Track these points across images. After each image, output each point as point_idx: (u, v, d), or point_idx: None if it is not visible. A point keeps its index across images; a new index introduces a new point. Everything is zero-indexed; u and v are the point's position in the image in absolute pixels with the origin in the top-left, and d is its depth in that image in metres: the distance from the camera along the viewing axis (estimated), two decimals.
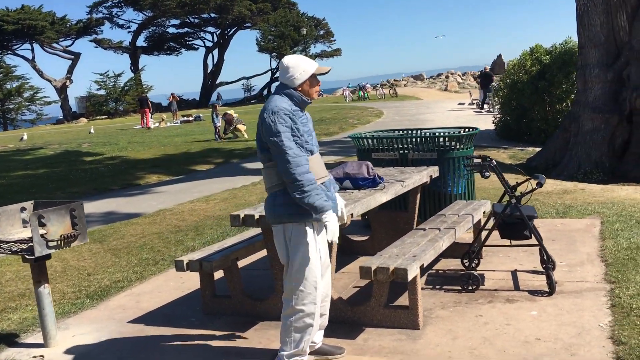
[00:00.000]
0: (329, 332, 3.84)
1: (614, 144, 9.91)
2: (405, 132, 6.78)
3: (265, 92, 59.01)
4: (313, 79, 3.38)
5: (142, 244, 6.86)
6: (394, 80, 59.71)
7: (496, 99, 24.44)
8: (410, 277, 3.80)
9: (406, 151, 6.36)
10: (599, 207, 6.95)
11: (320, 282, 3.40)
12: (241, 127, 19.95)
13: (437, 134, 6.38)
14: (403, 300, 4.46)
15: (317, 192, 3.17)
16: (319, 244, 3.41)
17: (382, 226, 5.72)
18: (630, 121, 9.84)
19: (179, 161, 15.01)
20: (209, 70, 58.89)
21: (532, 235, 4.56)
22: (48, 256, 3.99)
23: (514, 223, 4.62)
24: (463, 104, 27.69)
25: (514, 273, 4.98)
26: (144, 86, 51.49)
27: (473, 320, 4.08)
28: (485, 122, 18.60)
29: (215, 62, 59.23)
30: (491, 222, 5.04)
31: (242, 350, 3.91)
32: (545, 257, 4.51)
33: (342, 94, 43.84)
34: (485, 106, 25.23)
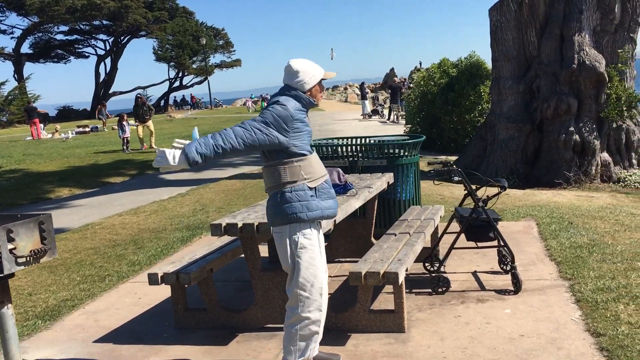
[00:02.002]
0: None
1: (527, 152, 10.59)
2: (355, 139, 6.87)
3: (163, 102, 57.42)
4: (320, 84, 3.39)
5: (79, 260, 6.43)
6: None
7: (400, 109, 25.43)
8: (400, 280, 3.85)
9: (356, 159, 6.43)
10: (529, 210, 7.38)
11: (326, 289, 3.36)
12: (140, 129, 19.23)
13: (386, 142, 6.51)
14: (378, 304, 4.51)
15: (204, 149, 3.08)
16: (322, 247, 3.38)
17: (341, 233, 5.75)
18: (541, 130, 10.55)
19: (88, 173, 14.23)
20: (101, 79, 56.46)
21: (498, 237, 4.76)
22: (12, 274, 3.65)
23: (480, 226, 4.80)
24: (369, 114, 28.44)
25: (474, 274, 5.17)
26: (30, 95, 48.41)
27: (454, 321, 4.19)
28: (394, 131, 19.19)
29: (107, 71, 56.92)
30: (454, 226, 5.22)
31: None
32: (510, 258, 4.72)
33: (245, 104, 43.64)
34: (392, 116, 26.15)
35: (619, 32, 10.26)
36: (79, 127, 32.18)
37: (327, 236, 6.32)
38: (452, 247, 4.82)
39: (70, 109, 54.84)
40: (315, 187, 3.28)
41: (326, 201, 3.32)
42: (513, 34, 10.65)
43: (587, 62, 9.86)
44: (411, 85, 39.60)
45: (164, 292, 5.23)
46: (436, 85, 16.10)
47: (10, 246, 3.50)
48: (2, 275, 3.51)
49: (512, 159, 10.55)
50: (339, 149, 6.52)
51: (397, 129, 20.54)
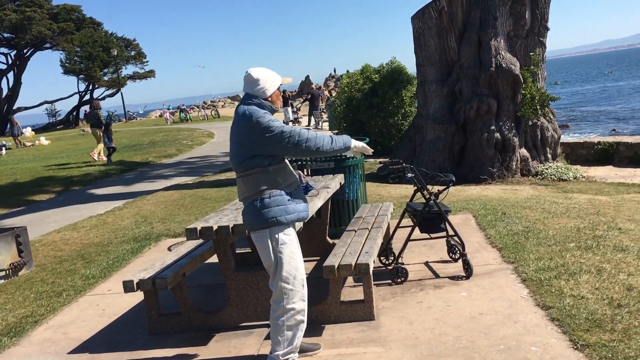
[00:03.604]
0: None
1: (453, 151, 11.20)
2: None
3: (72, 116, 55.24)
4: (278, 90, 3.60)
5: (28, 278, 6.25)
6: (211, 101, 59.76)
7: (321, 115, 25.92)
8: (370, 271, 4.13)
9: (304, 162, 6.67)
10: (463, 204, 7.89)
11: (305, 280, 3.57)
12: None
13: None
14: (344, 297, 4.76)
15: (331, 139, 3.54)
16: (298, 243, 3.60)
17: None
18: (465, 130, 11.20)
19: (10, 192, 13.65)
20: (4, 95, 53.61)
21: (450, 227, 5.15)
22: None
23: (432, 218, 5.17)
24: (292, 121, 28.74)
25: (426, 264, 5.54)
26: None
27: (417, 306, 4.51)
28: None
29: (11, 86, 54.13)
30: (406, 220, 5.57)
31: None
32: (461, 246, 5.11)
33: (163, 116, 42.84)
34: (314, 123, 26.61)
35: (530, 37, 11.08)
36: None
37: None
38: (408, 240, 5.15)
39: None
40: (290, 192, 3.49)
41: (300, 204, 3.55)
42: (435, 40, 11.26)
43: (503, 65, 10.59)
44: (326, 92, 40.35)
45: (126, 302, 5.27)
46: (360, 91, 16.62)
47: None
48: None
49: (440, 158, 11.13)
50: None
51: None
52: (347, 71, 63.64)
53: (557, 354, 3.51)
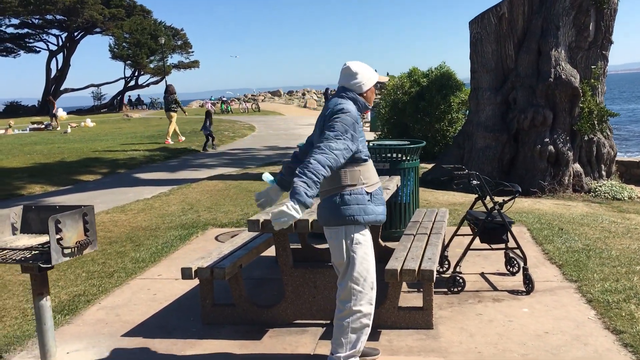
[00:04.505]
0: None
1: (503, 160, 10.96)
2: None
3: (116, 100, 56.22)
4: (374, 87, 3.48)
5: (79, 257, 6.31)
6: (252, 95, 60.13)
7: (365, 115, 25.78)
8: (434, 278, 4.00)
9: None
10: (516, 217, 7.65)
11: (375, 283, 3.47)
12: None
13: (389, 146, 6.66)
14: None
15: (312, 190, 3.05)
16: (372, 245, 3.49)
17: None
18: (517, 140, 10.94)
19: (58, 171, 13.85)
20: (52, 75, 54.84)
21: (513, 239, 4.97)
22: (51, 267, 3.62)
23: (494, 228, 5.00)
24: None
25: (482, 275, 5.37)
26: None
27: (477, 318, 4.35)
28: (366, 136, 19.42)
29: (59, 67, 55.32)
30: (464, 228, 5.42)
31: (269, 357, 3.83)
32: (523, 260, 4.93)
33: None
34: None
35: (593, 49, 10.76)
36: (33, 123, 31.23)
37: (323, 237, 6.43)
38: (468, 248, 5.00)
39: (19, 105, 53.10)
40: (371, 193, 3.38)
41: (379, 206, 3.43)
42: (492, 47, 11.02)
43: (563, 77, 10.30)
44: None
45: (177, 288, 5.24)
46: (406, 94, 16.42)
47: (57, 237, 3.48)
48: (48, 265, 3.49)
49: (488, 167, 10.89)
50: None
51: (368, 136, 20.80)
52: (387, 74, 63.53)
53: None
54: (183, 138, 19.73)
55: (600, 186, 10.40)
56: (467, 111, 15.48)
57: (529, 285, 4.85)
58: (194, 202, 9.34)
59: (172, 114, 19.02)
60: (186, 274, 4.17)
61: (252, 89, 72.28)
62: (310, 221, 3.95)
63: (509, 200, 5.02)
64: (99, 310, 4.77)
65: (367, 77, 3.40)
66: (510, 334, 4.06)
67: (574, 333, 4.03)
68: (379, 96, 19.67)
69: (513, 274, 5.33)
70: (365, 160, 3.40)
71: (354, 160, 3.32)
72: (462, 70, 17.60)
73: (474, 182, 5.02)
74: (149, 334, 4.25)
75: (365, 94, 3.42)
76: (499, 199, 5.04)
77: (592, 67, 10.67)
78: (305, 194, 3.00)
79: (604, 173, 10.82)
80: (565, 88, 10.31)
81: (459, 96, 15.44)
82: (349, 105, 3.30)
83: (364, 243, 3.38)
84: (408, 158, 6.66)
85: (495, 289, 5.00)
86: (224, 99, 48.12)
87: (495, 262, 5.68)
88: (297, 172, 3.07)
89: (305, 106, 48.42)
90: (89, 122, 31.92)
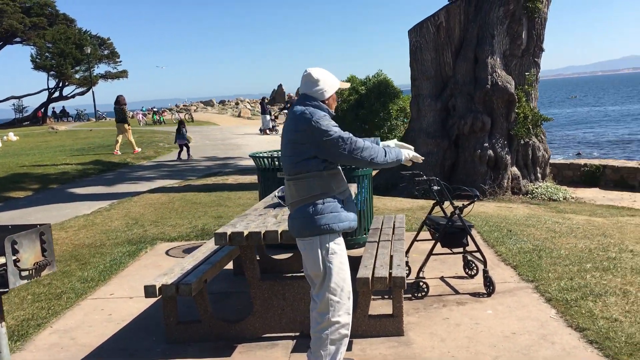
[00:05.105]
0: None
1: (445, 166, 11.20)
2: None
3: (41, 112, 53.81)
4: (335, 94, 3.46)
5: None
6: (184, 105, 59.13)
7: None
8: (405, 285, 4.00)
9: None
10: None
11: (351, 292, 3.42)
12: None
13: None
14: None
15: (388, 150, 3.38)
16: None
17: None
18: (457, 145, 11.22)
19: None
20: None
21: (473, 243, 5.05)
22: (6, 291, 3.37)
23: (454, 232, 5.07)
24: (270, 128, 28.51)
25: (442, 279, 5.43)
26: None
27: (444, 323, 4.38)
28: None
29: None
30: (423, 233, 5.46)
31: None
32: (483, 263, 5.01)
33: (135, 117, 42.12)
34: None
35: (525, 57, 11.18)
36: None
37: (285, 248, 6.35)
38: (430, 253, 5.04)
39: None
40: (343, 199, 3.34)
41: (351, 213, 3.39)
42: (431, 55, 11.27)
43: (499, 83, 10.65)
44: None
45: (133, 307, 5.03)
46: (345, 102, 16.56)
47: (13, 258, 3.25)
48: (4, 290, 3.25)
49: (431, 172, 11.05)
50: None
51: None
52: None
53: None
54: (119, 152, 19.22)
55: (536, 188, 10.80)
56: (406, 118, 15.80)
57: (489, 287, 4.93)
58: (137, 216, 9.03)
59: (125, 125, 19.08)
60: (150, 291, 3.99)
61: (183, 99, 71.02)
62: (279, 232, 3.86)
63: (469, 204, 5.09)
64: (52, 334, 4.50)
65: (329, 83, 3.37)
66: (479, 336, 4.11)
67: (539, 332, 4.12)
68: None
69: (472, 276, 5.42)
70: (335, 168, 3.36)
71: (325, 167, 3.28)
72: (398, 78, 17.95)
73: (435, 187, 5.07)
74: (110, 357, 4.04)
75: (327, 101, 3.38)
76: (459, 204, 5.11)
77: (526, 73, 11.09)
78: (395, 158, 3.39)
79: (539, 175, 11.24)
80: (501, 94, 10.66)
81: (397, 103, 15.73)
82: (319, 112, 3.26)
83: (339, 252, 3.33)
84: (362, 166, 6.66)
85: (457, 292, 5.06)
86: (155, 109, 47.05)
87: (453, 266, 5.76)
88: (377, 164, 3.35)
89: (239, 116, 48.04)
90: (11, 135, 30.44)
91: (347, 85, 3.63)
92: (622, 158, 19.83)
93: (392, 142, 3.66)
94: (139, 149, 19.73)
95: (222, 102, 61.24)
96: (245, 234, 3.88)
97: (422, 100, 11.44)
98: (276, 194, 4.89)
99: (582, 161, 13.24)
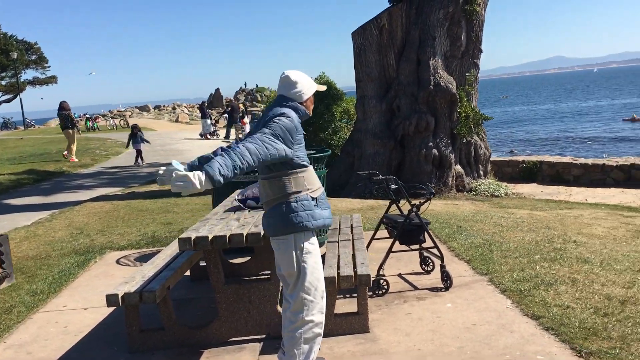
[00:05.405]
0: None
1: (391, 165, 11.40)
2: None
3: None
4: (313, 96, 3.48)
5: None
6: (117, 110, 57.63)
7: (241, 129, 25.67)
8: (371, 282, 4.06)
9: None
10: None
11: (325, 291, 3.45)
12: None
13: None
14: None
15: (221, 174, 2.85)
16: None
17: (265, 246, 5.77)
18: (403, 145, 11.44)
19: None
20: None
21: (430, 239, 5.18)
22: None
23: (412, 230, 5.18)
24: (211, 133, 28.15)
25: (400, 276, 5.53)
26: None
27: (407, 318, 4.47)
28: None
29: None
30: (380, 231, 5.55)
31: None
32: (440, 258, 5.14)
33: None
34: (233, 134, 26.31)
35: (465, 58, 11.53)
36: None
37: (242, 251, 6.32)
38: (390, 251, 5.13)
39: None
40: (316, 197, 3.37)
41: (325, 210, 3.42)
42: (375, 57, 11.45)
43: (441, 84, 10.94)
44: (241, 105, 40.07)
45: (89, 318, 4.89)
46: None
47: None
48: None
49: (378, 172, 11.24)
50: None
51: None
52: (257, 85, 63.49)
53: None
54: (76, 159, 19.04)
55: (479, 185, 11.15)
56: (349, 120, 15.96)
57: (447, 281, 5.06)
58: (82, 225, 8.76)
59: (70, 131, 18.73)
60: (112, 300, 3.89)
61: (116, 105, 69.20)
62: (245, 234, 3.85)
63: (425, 202, 5.21)
64: (6, 349, 4.31)
65: (307, 86, 3.40)
66: (441, 329, 4.22)
67: (498, 322, 4.26)
68: (262, 106, 19.69)
69: (428, 272, 5.54)
70: (307, 166, 3.38)
71: (297, 166, 3.30)
72: (340, 80, 18.12)
73: (393, 186, 5.17)
74: None
75: (305, 103, 3.41)
76: (416, 202, 5.23)
77: (466, 74, 11.44)
78: (219, 170, 2.82)
79: (481, 173, 11.61)
80: (444, 94, 10.95)
81: (341, 105, 15.84)
82: (290, 112, 3.28)
83: (313, 252, 3.36)
84: (316, 167, 6.70)
85: (416, 288, 5.17)
86: (88, 116, 45.66)
87: (409, 263, 5.88)
88: (219, 152, 2.96)
89: (177, 121, 47.24)
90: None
91: (324, 87, 3.65)
92: (554, 154, 20.73)
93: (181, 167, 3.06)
94: (76, 160, 19.08)
95: (158, 107, 60.07)
96: (210, 238, 3.84)
97: (367, 101, 11.60)
98: (236, 197, 4.87)
99: (520, 158, 13.76)
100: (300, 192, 3.30)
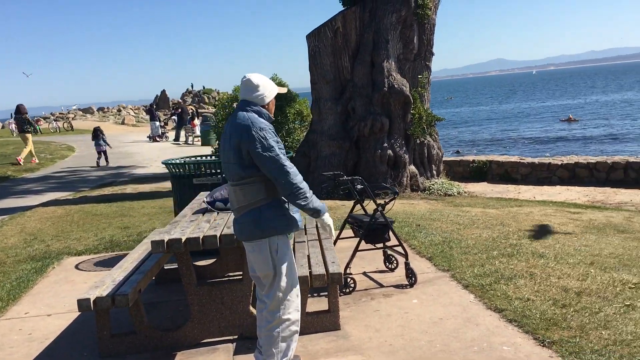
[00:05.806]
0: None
1: (347, 166, 11.53)
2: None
3: None
4: (275, 98, 3.54)
5: None
6: (60, 113, 55.97)
7: (192, 131, 25.40)
8: (342, 281, 4.15)
9: (224, 175, 6.52)
10: None
11: (299, 291, 3.52)
12: None
13: None
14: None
15: (315, 197, 3.34)
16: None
17: (229, 249, 5.79)
18: (358, 147, 11.60)
19: None
20: None
21: (395, 238, 5.31)
22: None
23: (377, 228, 5.30)
24: (159, 135, 27.72)
25: (365, 274, 5.66)
26: None
27: (376, 314, 4.59)
28: (197, 152, 19.15)
29: None
30: (346, 231, 5.65)
31: None
32: (405, 256, 5.28)
33: (8, 127, 39.29)
34: (182, 136, 25.98)
35: (418, 61, 11.79)
36: None
37: (207, 253, 6.31)
38: (356, 250, 5.23)
39: None
40: (287, 202, 3.43)
41: (296, 214, 3.49)
42: (330, 59, 11.57)
43: (395, 86, 11.15)
44: (189, 107, 39.64)
45: (53, 324, 4.81)
46: None
47: None
48: None
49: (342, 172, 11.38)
50: (210, 166, 6.58)
51: (199, 150, 20.51)
52: (204, 87, 62.80)
53: (529, 352, 3.76)
54: (37, 160, 19.11)
55: (433, 184, 11.42)
56: (302, 121, 16.04)
57: (412, 278, 5.21)
58: (35, 231, 8.53)
59: (27, 135, 18.59)
60: (84, 305, 3.85)
61: (57, 107, 67.16)
62: (218, 236, 3.88)
63: (390, 201, 5.34)
64: None
65: (269, 89, 3.45)
66: (410, 324, 4.35)
67: (464, 316, 4.43)
68: (214, 109, 19.56)
69: (392, 270, 5.68)
70: None
71: None
72: (292, 82, 18.17)
73: (359, 186, 5.27)
74: None
75: (267, 106, 3.46)
76: (381, 201, 5.35)
77: (419, 76, 11.69)
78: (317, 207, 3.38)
79: (434, 172, 11.89)
80: (398, 96, 11.17)
81: (294, 107, 15.92)
82: (260, 120, 3.31)
83: (288, 253, 3.43)
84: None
85: (382, 285, 5.29)
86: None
87: (372, 262, 6.00)
88: (296, 201, 3.27)
89: (123, 123, 46.25)
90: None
91: (285, 90, 3.72)
92: (499, 154, 21.38)
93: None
94: (22, 163, 18.49)
95: (102, 109, 58.65)
96: (183, 240, 3.85)
97: (322, 103, 11.70)
98: (205, 199, 4.87)
99: (470, 158, 14.16)
100: (273, 196, 3.36)
